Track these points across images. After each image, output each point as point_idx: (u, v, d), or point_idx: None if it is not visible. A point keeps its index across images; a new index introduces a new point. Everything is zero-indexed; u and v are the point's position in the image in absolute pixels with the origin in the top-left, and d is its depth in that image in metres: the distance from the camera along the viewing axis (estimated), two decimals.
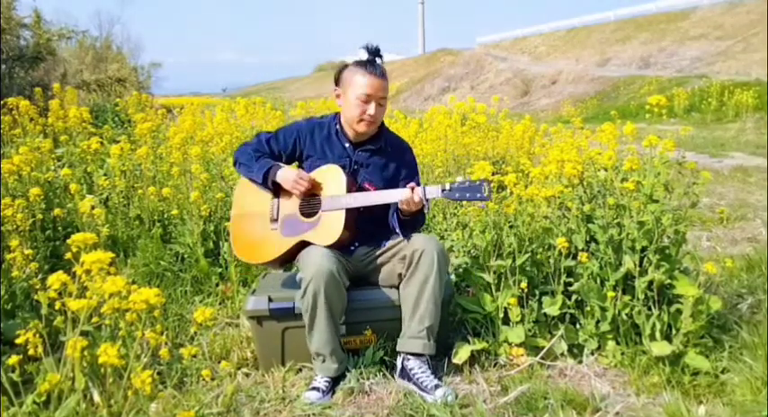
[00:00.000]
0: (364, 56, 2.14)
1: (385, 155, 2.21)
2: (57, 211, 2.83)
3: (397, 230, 2.11)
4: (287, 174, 2.11)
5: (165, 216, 3.29)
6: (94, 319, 1.53)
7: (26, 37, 7.89)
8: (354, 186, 2.13)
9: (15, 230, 2.46)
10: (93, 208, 2.78)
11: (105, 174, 3.49)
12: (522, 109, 18.57)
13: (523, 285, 2.18)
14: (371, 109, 2.09)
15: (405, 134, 4.86)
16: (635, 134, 2.21)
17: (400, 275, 2.10)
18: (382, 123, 2.27)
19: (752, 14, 19.48)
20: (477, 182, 1.99)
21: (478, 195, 1.97)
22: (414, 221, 2.13)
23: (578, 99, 18.15)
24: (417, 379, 1.99)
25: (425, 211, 2.15)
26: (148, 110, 5.73)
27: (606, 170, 2.38)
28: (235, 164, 2.27)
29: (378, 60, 2.14)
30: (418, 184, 2.08)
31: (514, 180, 2.40)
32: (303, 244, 2.08)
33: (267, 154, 2.21)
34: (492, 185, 2.00)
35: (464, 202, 2.13)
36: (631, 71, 19.96)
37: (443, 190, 2.00)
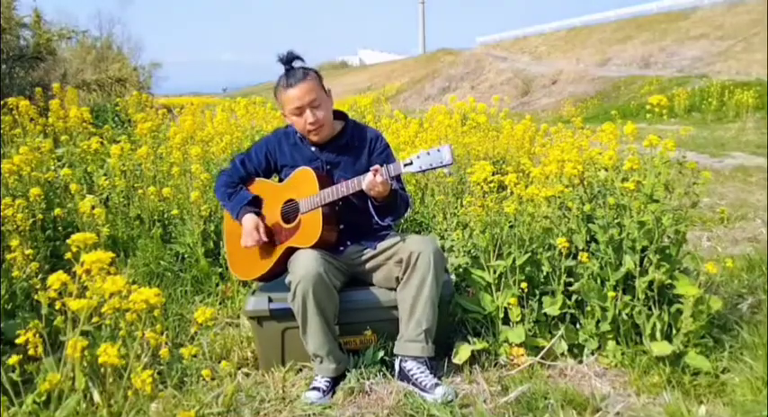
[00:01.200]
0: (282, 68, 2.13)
1: (353, 150, 2.21)
2: (57, 211, 2.83)
3: (375, 218, 2.09)
4: (246, 224, 2.13)
5: (166, 216, 3.29)
6: (94, 319, 1.53)
7: (26, 37, 7.87)
8: (330, 185, 2.12)
9: (15, 230, 2.46)
10: (93, 207, 2.78)
11: (105, 174, 3.49)
12: (522, 109, 18.57)
13: (523, 285, 2.18)
14: (309, 116, 2.08)
15: (405, 134, 4.85)
16: (635, 134, 2.21)
17: (397, 278, 2.10)
18: (346, 118, 2.27)
19: (752, 14, 19.47)
20: (438, 149, 1.93)
21: (440, 161, 1.92)
22: (388, 206, 2.07)
23: (579, 99, 18.14)
24: (416, 379, 1.99)
25: (400, 192, 2.12)
26: (148, 109, 5.73)
27: (607, 170, 2.38)
28: (215, 194, 2.34)
29: (297, 63, 2.12)
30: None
31: (515, 180, 2.40)
32: (291, 251, 2.08)
33: (243, 175, 2.25)
34: (453, 148, 1.95)
35: (429, 172, 2.09)
36: (632, 71, 19.96)
37: (406, 165, 1.97)
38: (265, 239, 2.13)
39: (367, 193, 2.01)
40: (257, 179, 2.28)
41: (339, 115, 2.25)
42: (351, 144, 2.22)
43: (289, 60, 2.12)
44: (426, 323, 2.03)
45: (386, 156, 2.24)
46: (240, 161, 2.28)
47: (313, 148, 2.21)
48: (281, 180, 2.27)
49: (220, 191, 2.27)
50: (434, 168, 1.96)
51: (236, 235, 2.23)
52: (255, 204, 2.19)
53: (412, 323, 2.04)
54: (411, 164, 1.97)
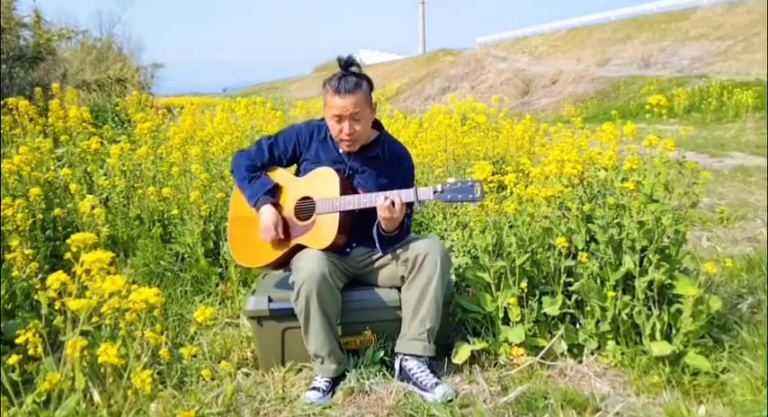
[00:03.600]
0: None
1: (381, 163, 2.19)
2: (57, 211, 2.83)
3: (377, 245, 2.09)
4: (266, 217, 2.10)
5: (165, 216, 3.29)
6: (94, 319, 1.53)
7: (26, 37, 7.88)
8: (351, 191, 2.12)
9: (15, 230, 2.46)
10: (93, 207, 2.78)
11: (105, 174, 3.49)
12: (522, 109, 18.56)
13: (523, 285, 2.18)
14: (346, 127, 2.06)
15: (405, 134, 4.86)
16: (635, 134, 2.21)
17: (402, 277, 2.10)
18: (382, 128, 2.25)
19: (752, 14, 19.47)
20: (470, 183, 1.96)
21: (470, 196, 1.95)
22: (394, 237, 2.09)
23: (579, 99, 18.13)
24: (417, 379, 1.99)
25: (406, 222, 2.11)
26: (148, 109, 5.73)
27: (606, 170, 2.38)
28: (231, 173, 2.30)
29: (352, 69, 2.09)
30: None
31: (514, 180, 2.40)
32: (299, 247, 2.08)
33: (266, 160, 2.21)
34: (484, 185, 1.97)
35: (457, 203, 2.11)
36: (632, 71, 19.95)
37: (435, 192, 1.99)
38: (282, 237, 2.10)
39: (379, 218, 2.00)
40: (276, 168, 2.24)
41: (375, 124, 2.22)
42: (380, 156, 2.19)
43: (347, 65, 2.09)
44: (430, 323, 2.03)
45: (410, 180, 2.23)
46: (268, 145, 2.22)
47: (341, 150, 2.18)
48: (298, 172, 2.25)
49: (240, 172, 2.21)
50: (462, 202, 1.97)
51: (244, 219, 2.21)
52: (275, 194, 2.16)
53: (415, 322, 2.04)
54: (441, 192, 1.98)
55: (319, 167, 2.15)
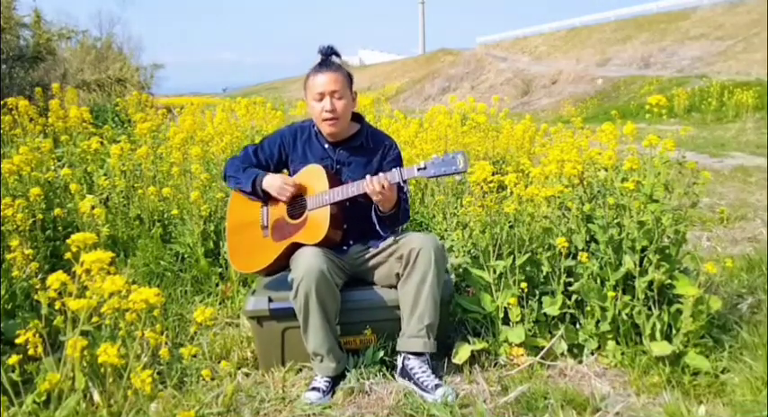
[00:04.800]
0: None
1: (367, 152, 2.22)
2: (57, 211, 2.83)
3: (377, 228, 2.11)
4: (272, 181, 2.14)
5: (165, 216, 3.29)
6: (94, 319, 1.53)
7: (26, 37, 7.89)
8: (339, 185, 2.13)
9: (15, 230, 2.46)
10: (93, 207, 2.78)
11: (105, 174, 3.49)
12: (522, 109, 18.56)
13: (523, 285, 2.18)
14: (327, 104, 2.10)
15: (405, 134, 4.85)
16: (635, 134, 2.21)
17: (398, 275, 2.10)
18: (363, 120, 2.28)
19: (752, 14, 19.47)
20: (452, 156, 1.97)
21: (454, 168, 1.95)
22: (392, 217, 2.11)
23: (578, 99, 18.13)
24: (418, 379, 1.99)
25: (404, 205, 2.13)
26: (148, 109, 5.73)
27: (606, 170, 2.38)
28: (224, 179, 2.32)
29: (333, 58, 2.16)
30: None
31: (514, 180, 2.40)
32: (295, 247, 2.08)
33: (254, 164, 2.24)
34: (467, 156, 1.97)
35: (442, 178, 2.11)
36: (632, 71, 19.95)
37: (419, 170, 2.00)
38: (297, 183, 2.13)
39: (372, 198, 2.01)
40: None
41: (356, 117, 2.27)
42: (365, 146, 2.23)
43: (327, 53, 2.16)
44: (428, 319, 2.03)
45: (396, 165, 2.23)
46: (252, 150, 2.28)
47: (326, 146, 2.22)
48: (290, 174, 2.27)
49: (234, 167, 2.25)
50: (447, 174, 1.98)
51: (239, 226, 2.23)
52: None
53: (414, 319, 2.04)
54: (424, 168, 1.99)
55: (306, 166, 2.18)
